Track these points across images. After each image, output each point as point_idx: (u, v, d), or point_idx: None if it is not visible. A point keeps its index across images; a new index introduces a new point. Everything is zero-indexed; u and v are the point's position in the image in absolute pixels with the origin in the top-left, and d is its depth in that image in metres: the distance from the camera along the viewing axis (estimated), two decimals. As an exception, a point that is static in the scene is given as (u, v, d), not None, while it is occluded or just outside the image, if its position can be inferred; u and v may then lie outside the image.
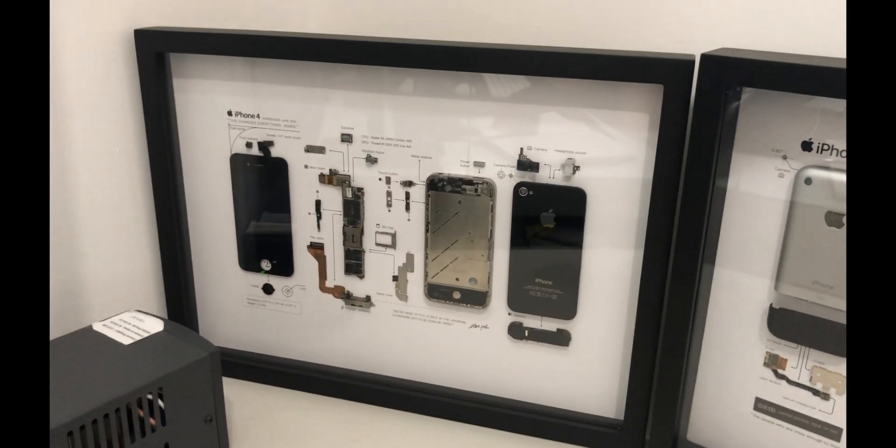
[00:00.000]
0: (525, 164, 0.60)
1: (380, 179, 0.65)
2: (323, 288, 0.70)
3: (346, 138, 0.64)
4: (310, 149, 0.66)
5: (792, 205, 0.52)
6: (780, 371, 0.56)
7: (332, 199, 0.67)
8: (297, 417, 0.68)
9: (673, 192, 0.56)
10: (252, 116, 0.66)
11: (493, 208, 0.62)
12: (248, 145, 0.67)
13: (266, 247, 0.71)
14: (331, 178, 0.66)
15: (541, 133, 0.59)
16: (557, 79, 0.57)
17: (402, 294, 0.68)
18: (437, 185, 0.63)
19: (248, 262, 0.72)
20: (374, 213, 0.66)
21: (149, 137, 0.68)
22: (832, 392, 0.54)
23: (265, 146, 0.67)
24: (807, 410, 0.55)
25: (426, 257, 0.66)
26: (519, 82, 0.58)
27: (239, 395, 0.71)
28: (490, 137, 0.61)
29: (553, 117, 0.58)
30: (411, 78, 0.61)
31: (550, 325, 0.64)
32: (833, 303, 0.52)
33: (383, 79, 0.62)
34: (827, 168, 0.50)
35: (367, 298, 0.69)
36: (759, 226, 0.54)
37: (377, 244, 0.67)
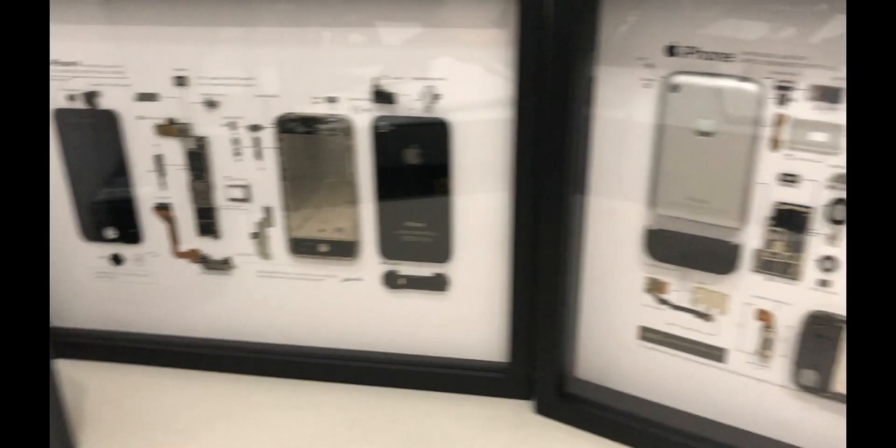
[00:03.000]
0: (380, 96, 0.55)
1: (224, 125, 0.58)
2: (177, 253, 0.63)
3: (181, 81, 0.57)
4: (141, 97, 0.58)
5: (660, 116, 0.49)
6: (661, 296, 0.54)
7: (174, 153, 0.60)
8: (159, 396, 0.62)
9: (538, 118, 0.52)
10: (71, 64, 0.58)
11: (351, 148, 0.57)
12: (71, 98, 0.59)
13: (108, 212, 0.63)
14: (169, 128, 0.59)
15: (393, 60, 0.54)
16: (404, -3, 0.52)
17: (264, 252, 0.62)
18: (289, 127, 0.57)
19: (91, 231, 0.64)
20: (222, 165, 0.59)
21: (-51, 94, 0.59)
22: (715, 313, 0.52)
23: (90, 98, 0.59)
24: (691, 334, 0.53)
25: (286, 209, 0.60)
26: (362, 2, 0.53)
27: (95, 379, 0.64)
28: (339, 68, 0.55)
29: (404, 40, 0.53)
30: (244, 6, 0.54)
31: (427, 270, 0.60)
32: (709, 218, 0.49)
33: (212, 8, 0.55)
34: (693, 73, 0.47)
35: (227, 261, 0.63)
36: (629, 144, 0.51)
37: (229, 199, 0.61)
